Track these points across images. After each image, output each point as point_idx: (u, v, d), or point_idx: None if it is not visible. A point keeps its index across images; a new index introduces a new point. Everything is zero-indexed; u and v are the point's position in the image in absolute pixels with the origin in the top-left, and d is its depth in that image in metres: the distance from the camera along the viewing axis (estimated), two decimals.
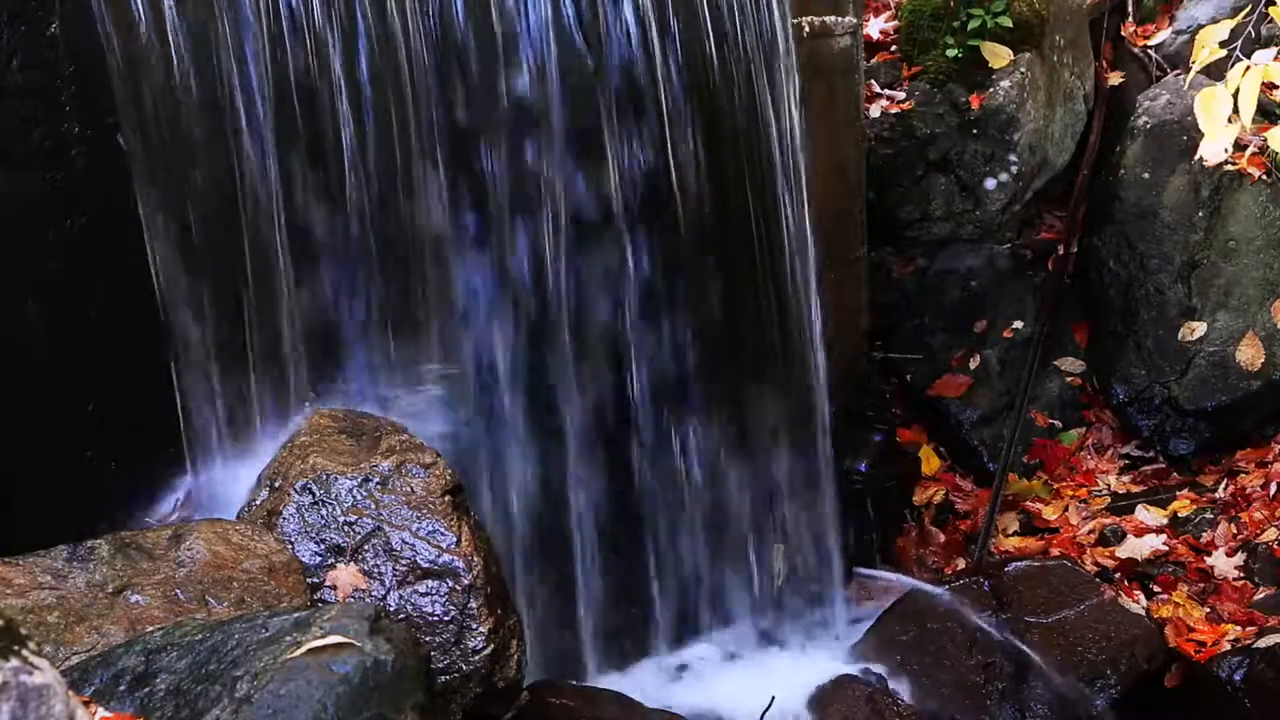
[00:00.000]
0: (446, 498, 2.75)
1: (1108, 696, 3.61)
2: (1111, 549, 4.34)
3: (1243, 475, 4.55)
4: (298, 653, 1.94)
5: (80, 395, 2.79)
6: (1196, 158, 4.43)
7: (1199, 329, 4.68)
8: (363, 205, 3.08)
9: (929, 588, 3.97)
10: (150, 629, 2.27)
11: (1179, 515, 4.45)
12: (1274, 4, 3.04)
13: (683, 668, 3.73)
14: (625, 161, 3.38)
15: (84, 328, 2.78)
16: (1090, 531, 4.44)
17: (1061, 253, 5.03)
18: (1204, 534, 4.35)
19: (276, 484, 2.78)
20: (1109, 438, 4.86)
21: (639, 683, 3.58)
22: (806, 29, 3.96)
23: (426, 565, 2.67)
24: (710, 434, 3.70)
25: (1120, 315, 4.86)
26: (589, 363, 3.46)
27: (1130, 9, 5.34)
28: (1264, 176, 4.64)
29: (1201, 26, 3.08)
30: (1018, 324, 4.93)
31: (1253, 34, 3.50)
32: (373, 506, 2.73)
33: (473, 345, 3.32)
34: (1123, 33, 5.33)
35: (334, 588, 2.64)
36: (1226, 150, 2.79)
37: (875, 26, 5.03)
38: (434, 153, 3.15)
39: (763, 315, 3.76)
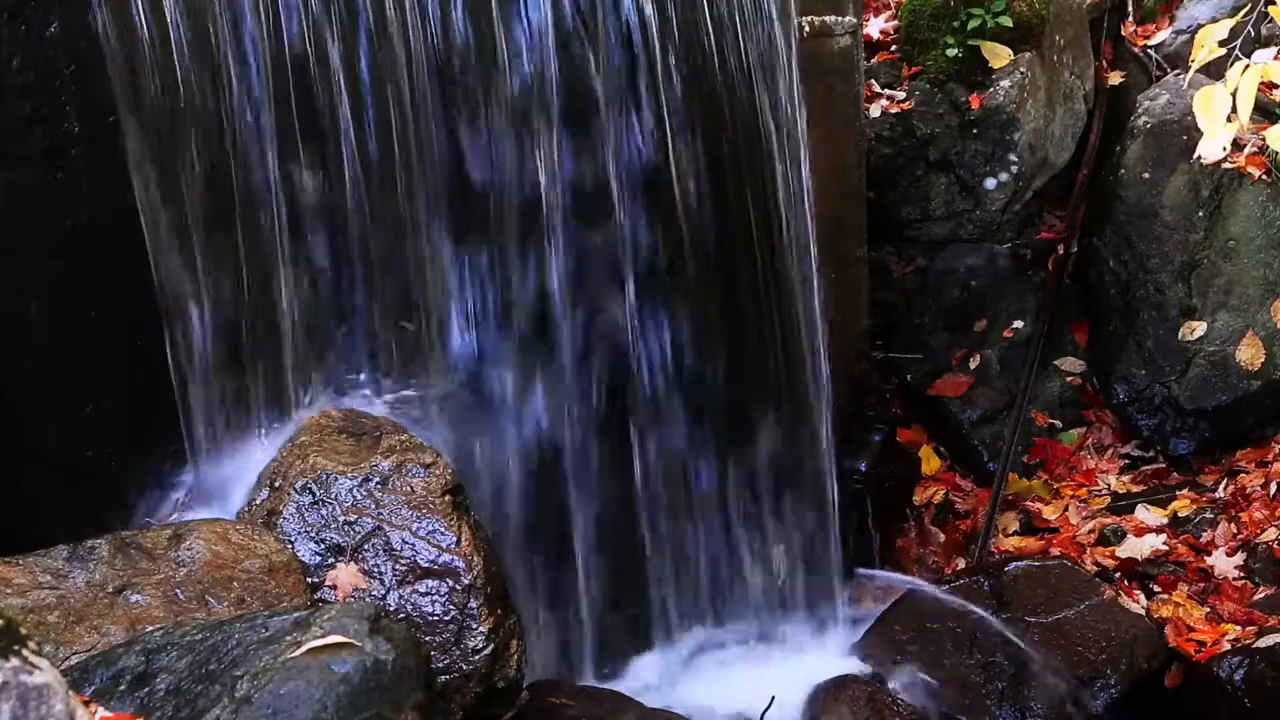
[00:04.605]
0: (446, 497, 2.75)
1: (1108, 696, 3.61)
2: (1111, 549, 4.34)
3: (1243, 475, 4.54)
4: (298, 653, 1.94)
5: (80, 395, 2.79)
6: (1196, 157, 4.43)
7: (1199, 329, 4.68)
8: (364, 205, 3.08)
9: (929, 587, 3.97)
10: (150, 629, 2.27)
11: (1179, 515, 4.45)
12: (1274, 3, 3.04)
13: (682, 667, 3.73)
14: (624, 160, 3.38)
15: (84, 328, 2.78)
16: (1090, 531, 4.44)
17: (1061, 253, 5.03)
18: (1204, 534, 4.35)
19: (276, 484, 2.78)
20: (1109, 437, 4.86)
21: (639, 682, 3.58)
22: (806, 29, 3.96)
23: (426, 565, 2.67)
24: (710, 434, 3.70)
25: (1120, 315, 4.85)
26: (588, 360, 3.46)
27: (1130, 9, 5.34)
28: (1264, 176, 4.64)
29: (1201, 26, 3.08)
30: (1018, 324, 4.93)
31: (1252, 33, 3.50)
32: (373, 506, 2.73)
33: (472, 343, 3.32)
34: (1123, 32, 5.33)
35: (334, 587, 2.64)
36: (1225, 149, 2.79)
37: (875, 26, 5.03)
38: (433, 153, 3.15)
39: (763, 315, 3.76)
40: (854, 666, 3.72)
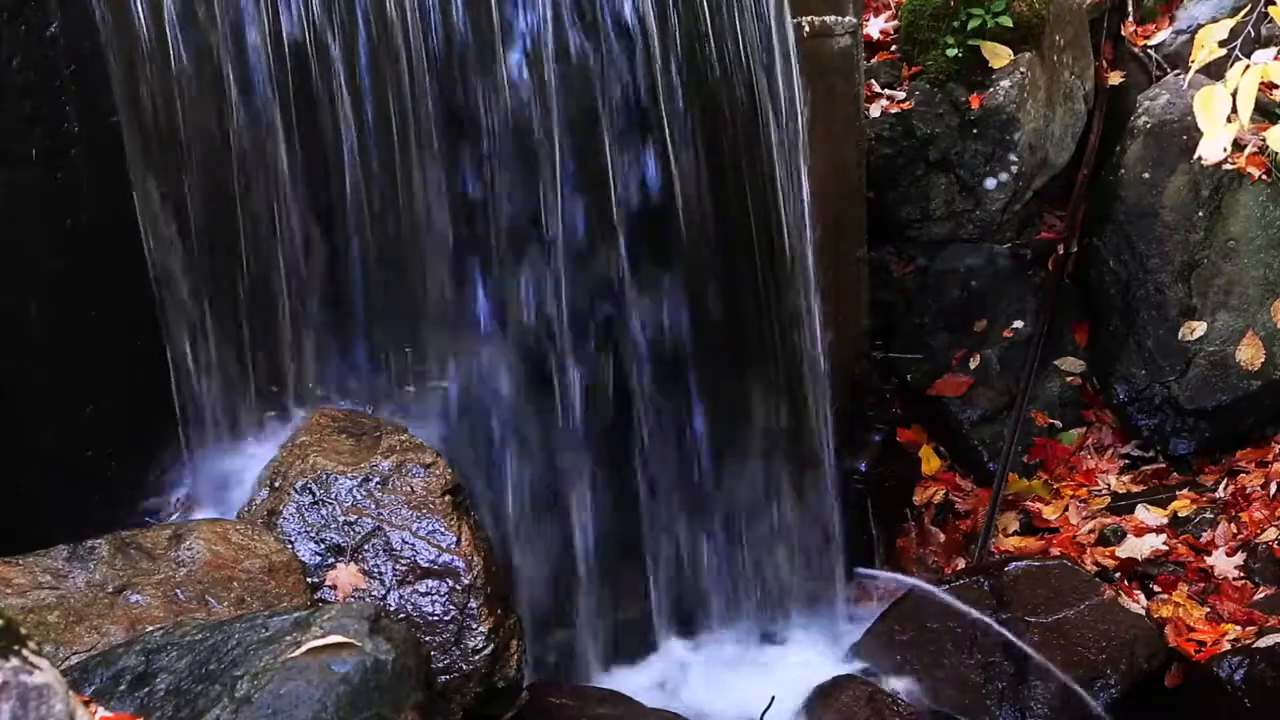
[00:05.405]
0: (446, 497, 2.75)
1: (1108, 696, 3.61)
2: (1111, 549, 4.34)
3: (1243, 475, 4.54)
4: (298, 652, 1.94)
5: (80, 395, 2.79)
6: (1196, 157, 4.43)
7: (1199, 328, 4.68)
8: (363, 206, 3.08)
9: (929, 587, 3.96)
10: (150, 629, 2.28)
11: (1179, 515, 4.45)
12: (1274, 4, 3.04)
13: (683, 667, 3.73)
14: (624, 160, 3.38)
15: (84, 328, 2.78)
16: (1090, 531, 4.44)
17: (1061, 252, 5.03)
18: (1204, 534, 4.35)
19: (276, 484, 2.78)
20: (1109, 437, 4.86)
21: (639, 682, 3.58)
22: (806, 29, 3.96)
23: (426, 565, 2.67)
24: (710, 434, 3.70)
25: (1120, 315, 4.85)
26: (588, 363, 3.46)
27: (1130, 9, 5.34)
28: (1264, 176, 4.64)
29: (1201, 26, 3.08)
30: (1018, 324, 4.93)
31: (1252, 33, 3.50)
32: (373, 506, 2.73)
33: (471, 346, 3.31)
34: (1123, 33, 5.33)
35: (334, 587, 2.64)
36: (1225, 149, 2.79)
37: (875, 26, 5.03)
38: (433, 155, 3.15)
39: (763, 315, 3.76)
40: (854, 666, 3.72)
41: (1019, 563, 4.02)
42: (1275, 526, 4.25)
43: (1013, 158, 4.86)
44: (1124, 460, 4.79)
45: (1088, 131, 5.19)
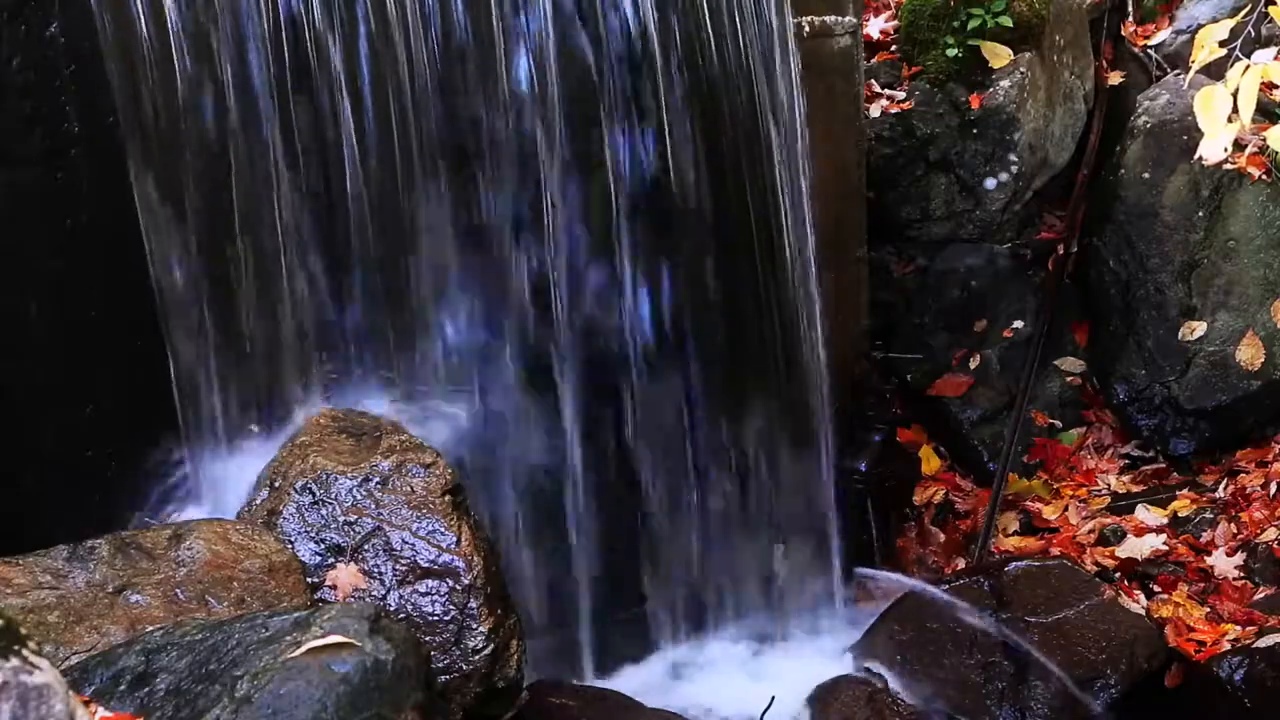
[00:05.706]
0: (446, 497, 2.76)
1: (1108, 696, 3.61)
2: (1111, 549, 4.34)
3: (1243, 475, 4.54)
4: (298, 652, 1.94)
5: (80, 395, 2.80)
6: (1196, 157, 4.43)
7: (1199, 328, 4.68)
8: (364, 205, 3.08)
9: (929, 587, 3.96)
10: (150, 629, 2.28)
11: (1179, 515, 4.45)
12: (1274, 4, 3.04)
13: (682, 667, 3.73)
14: (625, 161, 3.38)
15: (84, 328, 2.78)
16: (1090, 531, 4.44)
17: (1061, 252, 5.03)
18: (1204, 534, 4.35)
19: (276, 484, 2.79)
20: (1109, 437, 4.86)
21: (639, 682, 3.58)
22: (806, 29, 3.97)
23: (426, 565, 2.67)
24: (710, 434, 3.70)
25: (1120, 315, 4.85)
26: (588, 362, 3.46)
27: (1130, 9, 5.34)
28: (1264, 176, 4.64)
29: (1202, 26, 3.08)
30: (1018, 324, 4.93)
31: (1252, 33, 3.50)
32: (373, 506, 2.73)
33: (470, 348, 3.31)
34: (1123, 32, 5.34)
35: (334, 587, 2.64)
36: (1226, 149, 2.79)
37: (875, 26, 5.04)
38: (433, 156, 3.15)
39: (763, 315, 3.76)
40: (854, 666, 3.72)
41: (1019, 563, 4.02)
42: (1275, 526, 4.25)
43: (1013, 158, 4.86)
44: (1124, 460, 4.79)
45: (1088, 131, 5.19)
